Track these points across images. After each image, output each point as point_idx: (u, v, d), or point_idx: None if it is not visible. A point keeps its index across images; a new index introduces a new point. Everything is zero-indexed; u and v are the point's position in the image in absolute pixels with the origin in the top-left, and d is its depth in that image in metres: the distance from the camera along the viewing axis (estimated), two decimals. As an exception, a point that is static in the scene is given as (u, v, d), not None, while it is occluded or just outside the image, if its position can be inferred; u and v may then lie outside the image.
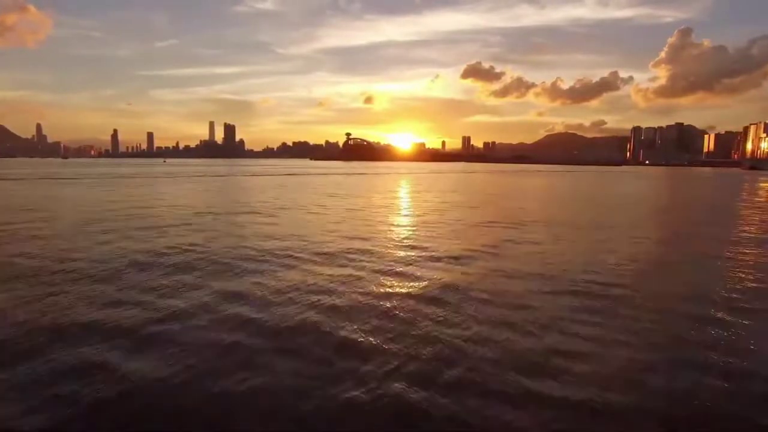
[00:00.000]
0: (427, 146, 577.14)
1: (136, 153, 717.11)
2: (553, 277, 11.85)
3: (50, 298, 9.54)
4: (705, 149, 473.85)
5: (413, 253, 14.53)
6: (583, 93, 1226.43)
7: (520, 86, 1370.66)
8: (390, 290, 10.53)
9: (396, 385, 6.24)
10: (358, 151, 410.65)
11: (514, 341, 7.71)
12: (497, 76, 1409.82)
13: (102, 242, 15.82)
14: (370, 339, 7.74)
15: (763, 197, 45.92)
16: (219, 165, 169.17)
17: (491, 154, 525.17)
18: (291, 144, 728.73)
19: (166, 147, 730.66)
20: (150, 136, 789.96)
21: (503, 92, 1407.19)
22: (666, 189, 63.07)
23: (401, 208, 30.06)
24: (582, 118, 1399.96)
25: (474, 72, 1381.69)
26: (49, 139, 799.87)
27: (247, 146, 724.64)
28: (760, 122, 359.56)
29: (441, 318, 8.73)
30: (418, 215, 25.28)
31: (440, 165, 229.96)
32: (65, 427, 5.27)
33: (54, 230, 18.57)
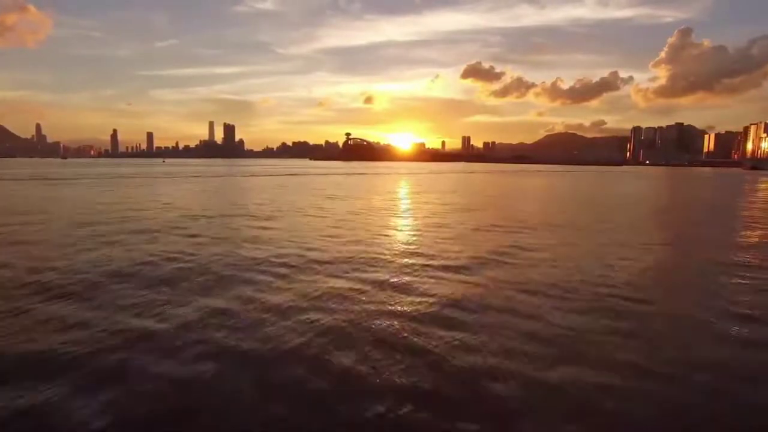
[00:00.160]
0: (427, 146, 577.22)
1: (136, 153, 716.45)
2: (570, 290, 10.72)
3: (3, 321, 8.29)
4: (705, 149, 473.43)
5: (418, 262, 13.39)
6: (583, 93, 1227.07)
7: (520, 86, 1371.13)
8: (396, 307, 9.39)
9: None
10: (358, 151, 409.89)
11: (539, 375, 6.58)
12: (497, 76, 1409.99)
13: (87, 248, 14.74)
14: (377, 371, 6.61)
15: (772, 198, 44.92)
16: (218, 165, 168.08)
17: (491, 154, 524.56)
18: (291, 144, 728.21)
19: (165, 147, 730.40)
20: (150, 136, 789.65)
21: (503, 92, 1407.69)
22: (670, 189, 62.04)
23: (402, 210, 28.94)
24: (582, 118, 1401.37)
25: (474, 72, 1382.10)
26: (49, 139, 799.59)
27: (247, 146, 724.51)
28: (761, 122, 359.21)
29: (456, 343, 7.59)
30: (420, 218, 24.17)
31: (440, 165, 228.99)
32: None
33: (40, 235, 17.51)
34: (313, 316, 8.75)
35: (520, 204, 34.70)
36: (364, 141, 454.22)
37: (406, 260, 13.62)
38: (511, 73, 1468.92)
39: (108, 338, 7.63)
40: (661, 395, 6.06)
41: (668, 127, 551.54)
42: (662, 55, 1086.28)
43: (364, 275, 11.79)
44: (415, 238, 17.69)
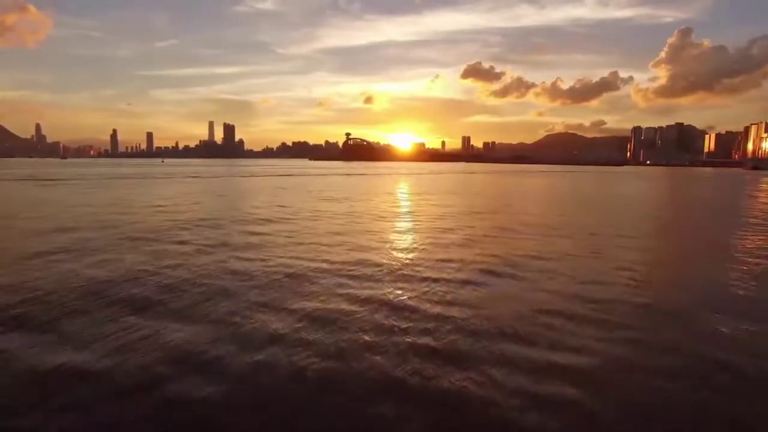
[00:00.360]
0: (426, 146, 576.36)
1: (136, 153, 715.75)
2: (601, 309, 9.62)
3: None
4: (705, 149, 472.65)
5: (426, 275, 12.23)
6: (583, 93, 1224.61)
7: (520, 86, 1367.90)
8: (406, 339, 8.02)
9: None
10: (358, 151, 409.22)
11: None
12: (497, 76, 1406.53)
13: (54, 261, 13.40)
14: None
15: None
16: (217, 165, 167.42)
17: (491, 154, 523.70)
18: (290, 144, 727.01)
19: (165, 147, 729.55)
20: (149, 136, 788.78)
21: (503, 92, 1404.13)
22: (676, 190, 61.20)
23: (405, 214, 28.13)
24: (582, 118, 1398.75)
25: (474, 72, 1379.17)
26: (49, 139, 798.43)
27: (247, 146, 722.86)
28: (761, 122, 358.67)
29: (483, 398, 6.52)
30: (424, 223, 23.17)
31: (440, 165, 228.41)
32: None
33: (8, 242, 16.56)
34: (306, 358, 7.42)
35: (524, 206, 33.88)
36: (364, 141, 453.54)
37: (415, 275, 12.50)
38: (511, 73, 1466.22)
39: (28, 378, 6.52)
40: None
41: (668, 127, 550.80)
42: (662, 55, 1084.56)
43: (367, 293, 10.68)
44: (423, 247, 16.66)
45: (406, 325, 8.66)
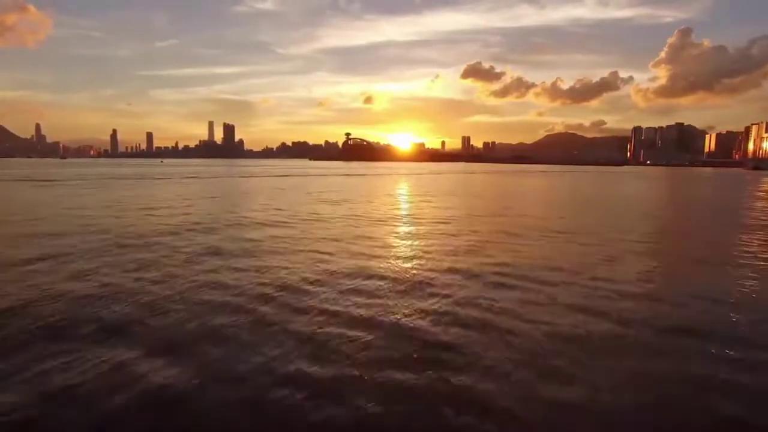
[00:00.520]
0: (426, 146, 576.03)
1: (136, 153, 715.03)
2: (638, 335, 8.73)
3: None
4: (706, 149, 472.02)
5: (434, 291, 11.18)
6: (583, 93, 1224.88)
7: (520, 86, 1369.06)
8: (421, 376, 6.97)
9: None
10: (358, 151, 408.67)
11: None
12: (497, 76, 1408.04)
13: (30, 272, 12.27)
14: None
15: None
16: (217, 165, 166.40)
17: (491, 154, 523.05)
18: (290, 144, 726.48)
19: (165, 147, 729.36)
20: (149, 136, 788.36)
21: (503, 92, 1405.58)
22: (677, 190, 60.09)
23: (406, 217, 27.09)
24: (582, 118, 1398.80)
25: (474, 72, 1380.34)
26: (49, 139, 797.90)
27: (247, 146, 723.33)
28: (762, 122, 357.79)
29: None
30: (426, 227, 22.06)
31: (440, 165, 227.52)
32: None
33: None
34: (301, 405, 6.64)
35: (527, 208, 32.73)
36: (364, 141, 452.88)
37: (416, 287, 11.54)
38: (511, 73, 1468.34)
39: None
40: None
41: (668, 127, 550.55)
42: (662, 55, 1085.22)
43: (361, 312, 9.66)
44: (422, 254, 15.59)
45: (417, 355, 7.62)
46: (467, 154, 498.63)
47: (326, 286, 11.43)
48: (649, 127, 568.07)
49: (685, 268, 14.94)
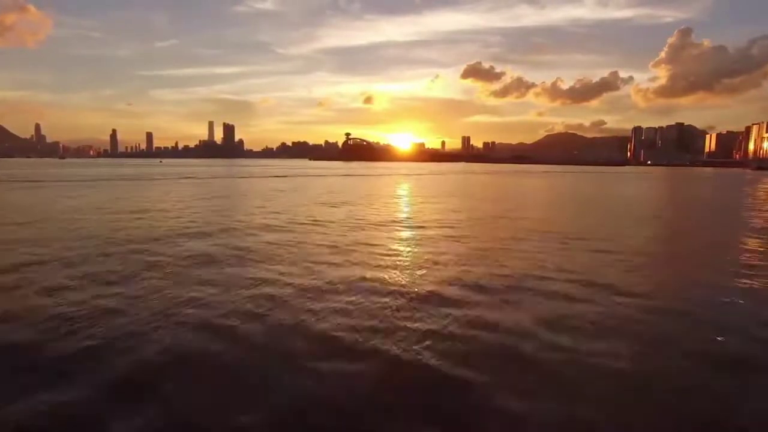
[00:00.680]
0: (426, 146, 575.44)
1: (135, 153, 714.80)
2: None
3: None
4: (706, 149, 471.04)
5: (446, 310, 10.14)
6: (583, 93, 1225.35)
7: (520, 86, 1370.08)
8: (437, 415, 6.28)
9: None
10: (358, 151, 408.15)
11: None
12: (497, 76, 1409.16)
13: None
14: None
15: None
16: (216, 165, 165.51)
17: (491, 154, 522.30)
18: (290, 144, 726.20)
19: (165, 147, 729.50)
20: (149, 136, 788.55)
21: (503, 92, 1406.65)
22: (682, 192, 59.28)
23: (407, 221, 25.98)
24: (582, 118, 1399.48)
25: (474, 72, 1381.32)
26: (48, 139, 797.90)
27: (247, 146, 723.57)
28: (763, 122, 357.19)
29: None
30: (429, 230, 21.02)
31: (440, 165, 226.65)
32: None
33: None
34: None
35: (530, 210, 31.54)
36: (364, 141, 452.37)
37: (424, 301, 10.58)
38: (511, 73, 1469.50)
39: None
40: None
41: (668, 127, 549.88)
42: (662, 55, 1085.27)
43: (365, 337, 8.68)
44: (427, 263, 14.57)
45: (430, 389, 6.66)
46: (467, 154, 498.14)
47: (325, 301, 10.41)
48: (650, 127, 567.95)
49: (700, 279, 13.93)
